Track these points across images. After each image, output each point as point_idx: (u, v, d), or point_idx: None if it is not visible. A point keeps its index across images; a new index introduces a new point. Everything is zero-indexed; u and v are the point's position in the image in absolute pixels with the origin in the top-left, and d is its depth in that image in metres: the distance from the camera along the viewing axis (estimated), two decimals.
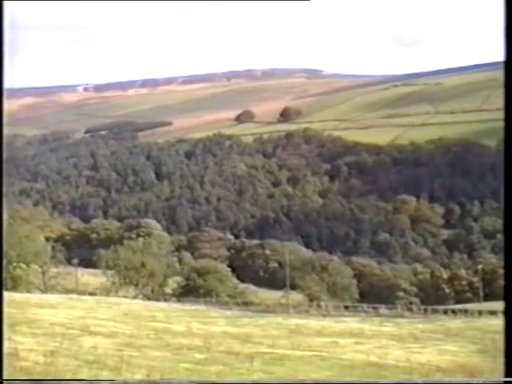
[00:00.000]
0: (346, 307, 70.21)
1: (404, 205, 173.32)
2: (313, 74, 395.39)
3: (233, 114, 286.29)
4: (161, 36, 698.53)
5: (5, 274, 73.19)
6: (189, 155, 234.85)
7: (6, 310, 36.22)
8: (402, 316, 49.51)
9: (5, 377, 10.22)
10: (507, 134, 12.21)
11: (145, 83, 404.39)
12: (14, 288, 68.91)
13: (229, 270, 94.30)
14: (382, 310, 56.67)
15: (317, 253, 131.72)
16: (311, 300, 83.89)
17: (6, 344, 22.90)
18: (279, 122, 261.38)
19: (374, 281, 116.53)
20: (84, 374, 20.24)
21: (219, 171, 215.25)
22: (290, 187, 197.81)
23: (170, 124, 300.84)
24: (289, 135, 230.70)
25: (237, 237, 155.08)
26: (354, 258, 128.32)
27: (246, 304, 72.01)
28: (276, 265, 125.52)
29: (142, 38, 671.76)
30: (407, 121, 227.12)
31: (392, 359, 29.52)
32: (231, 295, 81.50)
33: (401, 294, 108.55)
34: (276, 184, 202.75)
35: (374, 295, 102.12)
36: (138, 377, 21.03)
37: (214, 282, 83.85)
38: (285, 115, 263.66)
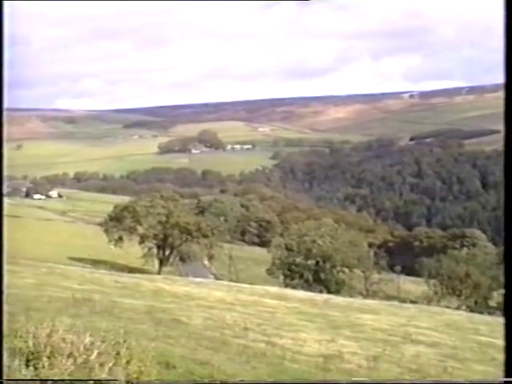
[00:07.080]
0: None
1: None
2: None
3: None
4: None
5: (329, 277, 75.14)
6: None
7: (328, 312, 36.93)
8: None
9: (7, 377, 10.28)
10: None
11: (472, 90, 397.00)
12: (337, 292, 70.26)
13: None
14: None
15: None
16: None
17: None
18: None
19: None
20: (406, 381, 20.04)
21: None
22: None
23: (498, 132, 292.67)
24: None
25: None
26: None
27: None
28: None
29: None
30: None
31: None
32: None
33: None
34: None
35: None
36: None
37: None
38: None
